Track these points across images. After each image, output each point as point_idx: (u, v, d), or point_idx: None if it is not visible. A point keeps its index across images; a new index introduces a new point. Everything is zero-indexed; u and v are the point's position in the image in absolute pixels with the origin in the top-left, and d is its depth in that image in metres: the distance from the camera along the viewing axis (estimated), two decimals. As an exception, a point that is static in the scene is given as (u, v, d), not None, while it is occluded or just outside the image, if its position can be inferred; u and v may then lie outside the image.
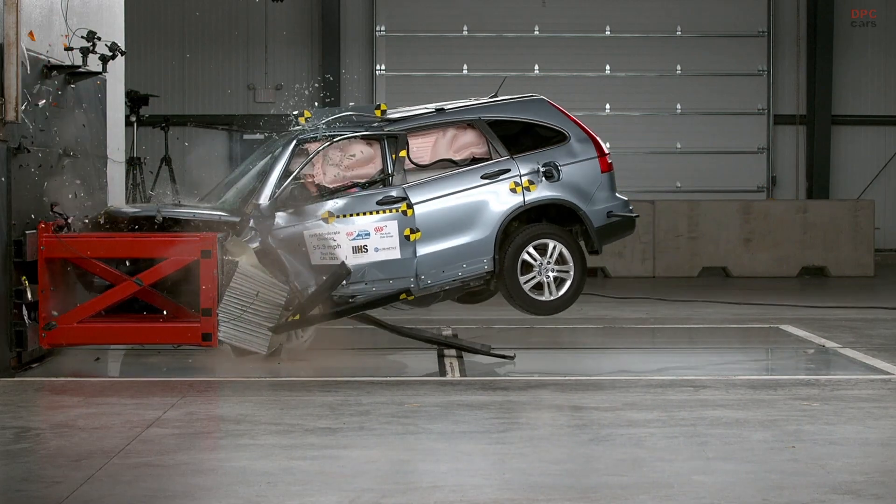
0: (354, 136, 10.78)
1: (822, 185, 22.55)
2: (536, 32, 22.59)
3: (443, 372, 10.00)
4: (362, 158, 10.82)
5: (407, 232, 10.62)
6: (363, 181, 10.72)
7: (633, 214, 11.58)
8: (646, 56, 22.62)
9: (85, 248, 9.72)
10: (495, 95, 11.61)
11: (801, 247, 19.05)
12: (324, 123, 10.85)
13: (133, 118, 18.18)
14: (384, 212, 10.64)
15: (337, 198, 10.54)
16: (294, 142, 10.66)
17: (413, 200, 10.68)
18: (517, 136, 11.32)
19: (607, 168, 11.46)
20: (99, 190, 11.14)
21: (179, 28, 22.09)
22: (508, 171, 11.03)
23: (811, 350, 11.21)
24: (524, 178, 11.02)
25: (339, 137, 10.73)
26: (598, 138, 11.56)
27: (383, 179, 10.74)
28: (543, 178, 11.09)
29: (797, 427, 7.57)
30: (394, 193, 10.69)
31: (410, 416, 7.94)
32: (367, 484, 6.23)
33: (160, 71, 21.94)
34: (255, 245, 10.30)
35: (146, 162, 19.36)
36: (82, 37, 10.32)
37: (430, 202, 10.80)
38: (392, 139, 10.79)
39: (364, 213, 10.57)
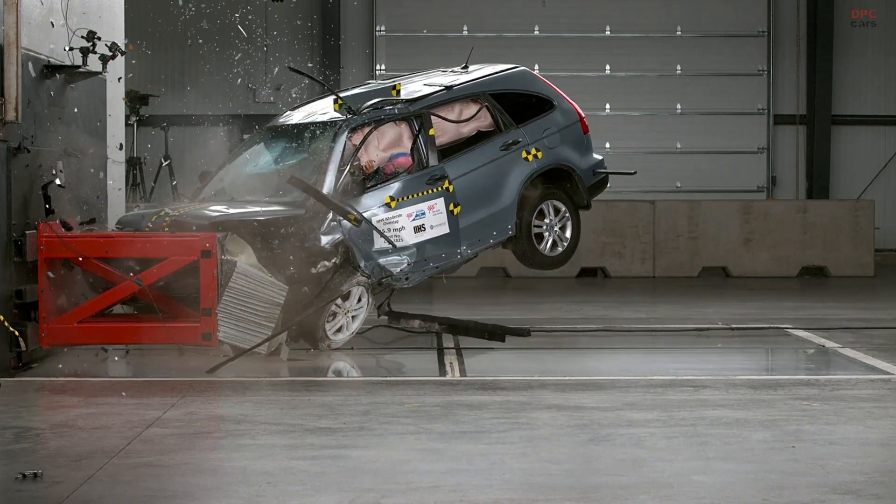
0: (395, 118, 11.15)
1: (822, 185, 22.55)
2: (536, 32, 22.59)
3: (443, 372, 9.99)
4: (399, 139, 11.17)
5: (451, 207, 11.24)
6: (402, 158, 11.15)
7: (614, 171, 13.06)
8: (646, 56, 22.61)
9: (85, 248, 9.72)
10: (466, 66, 12.27)
11: (801, 247, 19.05)
12: (365, 108, 11.10)
13: (133, 118, 18.19)
14: (433, 190, 11.17)
15: (394, 182, 10.97)
16: (347, 130, 10.88)
17: (451, 176, 11.29)
18: (513, 107, 12.04)
19: (587, 130, 12.45)
20: (98, 190, 11.14)
21: (179, 28, 22.08)
22: (519, 141, 11.84)
23: (811, 350, 11.21)
24: (532, 147, 11.87)
25: (384, 121, 11.07)
26: (574, 103, 12.51)
27: (419, 158, 11.23)
28: (547, 145, 11.98)
29: (797, 427, 7.57)
30: (436, 172, 11.23)
31: (410, 416, 7.94)
32: (367, 484, 6.23)
33: (160, 71, 21.93)
34: (338, 237, 10.49)
35: (146, 162, 19.36)
36: (82, 37, 10.32)
37: (464, 177, 11.45)
38: (419, 119, 11.27)
39: (419, 194, 11.09)
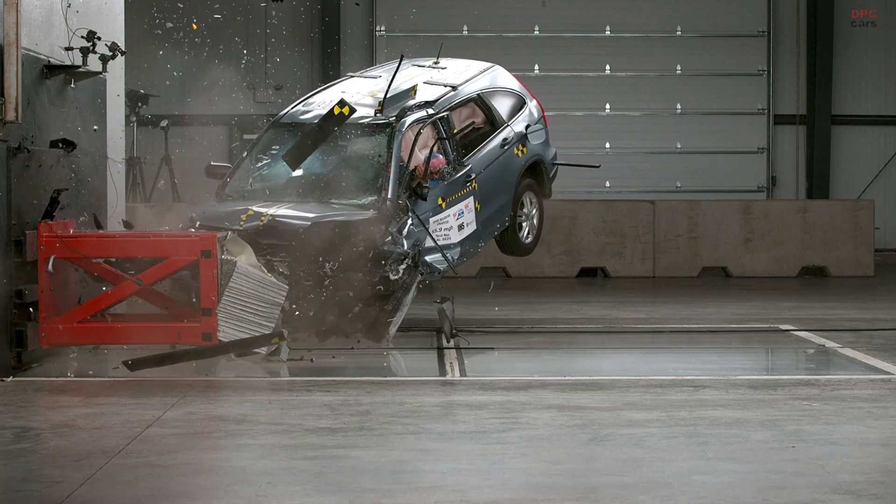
0: (431, 120, 11.51)
1: (822, 185, 22.54)
2: (536, 32, 22.58)
3: (443, 372, 9.99)
4: (429, 141, 11.49)
5: (476, 204, 11.79)
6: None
7: (580, 164, 14.72)
8: (646, 56, 22.60)
9: (85, 248, 9.71)
10: (437, 60, 12.64)
11: (801, 247, 19.04)
12: (408, 110, 11.44)
13: (133, 118, 18.18)
14: (466, 189, 11.70)
15: (442, 183, 11.36)
16: (401, 132, 11.19)
17: (474, 175, 11.83)
18: (498, 104, 12.63)
19: (547, 123, 13.20)
20: (99, 190, 11.14)
21: (179, 28, 22.06)
22: (511, 137, 12.41)
23: (811, 350, 11.21)
24: (519, 143, 12.51)
25: (426, 123, 11.42)
26: (536, 97, 13.24)
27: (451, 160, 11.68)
28: (529, 141, 12.64)
29: (797, 427, 7.57)
30: (469, 172, 11.76)
31: (410, 416, 7.94)
32: (367, 484, 6.23)
33: (160, 71, 21.91)
34: (413, 239, 10.82)
35: (146, 162, 19.35)
36: (82, 37, 10.32)
37: (481, 174, 11.96)
38: (445, 120, 11.68)
39: (459, 194, 11.59)
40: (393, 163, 10.97)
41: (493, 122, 12.38)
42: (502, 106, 12.60)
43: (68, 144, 10.01)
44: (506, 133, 12.38)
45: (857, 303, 15.20)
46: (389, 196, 10.80)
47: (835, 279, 18.64)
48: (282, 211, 10.64)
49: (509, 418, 7.86)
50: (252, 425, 7.69)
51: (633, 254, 18.90)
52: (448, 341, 10.93)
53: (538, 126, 12.99)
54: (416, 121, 11.36)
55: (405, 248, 10.65)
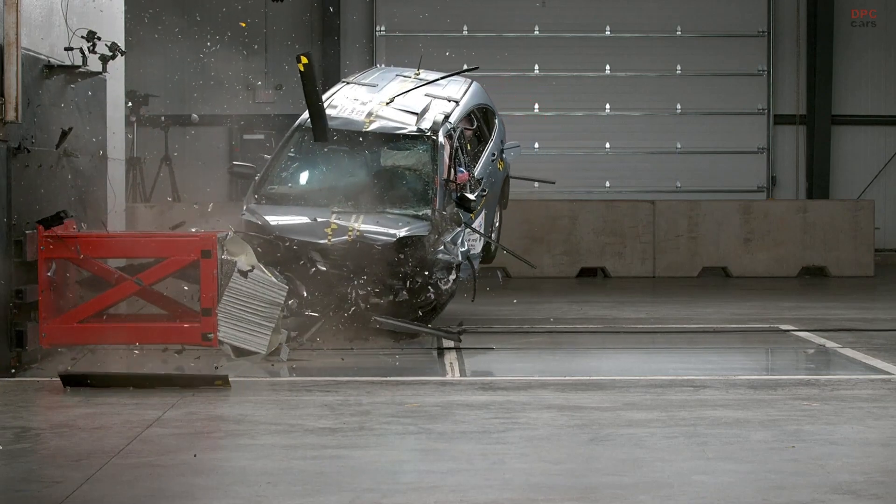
0: (456, 133, 11.83)
1: (822, 185, 22.52)
2: (536, 32, 22.57)
3: (443, 372, 9.99)
4: (453, 153, 11.77)
5: (484, 213, 12.25)
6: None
7: (537, 178, 15.21)
8: (646, 56, 22.59)
9: (85, 248, 9.71)
10: (419, 72, 12.94)
11: (801, 247, 19.03)
12: (440, 122, 11.69)
13: (133, 118, 18.18)
14: (483, 201, 12.09)
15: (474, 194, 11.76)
16: (443, 145, 11.45)
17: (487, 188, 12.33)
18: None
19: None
20: (98, 190, 11.14)
21: (180, 28, 22.06)
22: (496, 152, 12.94)
23: (811, 350, 11.21)
24: (500, 156, 13.07)
25: (454, 135, 11.74)
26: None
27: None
28: (504, 155, 13.19)
29: (797, 427, 7.57)
30: (483, 184, 12.19)
31: (410, 416, 7.94)
32: (367, 484, 6.23)
33: (160, 71, 21.91)
34: (465, 248, 11.30)
35: (146, 162, 19.35)
36: (82, 37, 10.32)
37: (485, 184, 12.32)
38: (462, 134, 12.02)
39: (480, 205, 11.99)
40: (439, 175, 11.25)
41: (480, 137, 12.80)
42: (484, 120, 13.05)
43: (64, 134, 9.99)
44: (492, 147, 12.85)
45: (857, 303, 15.21)
46: (438, 207, 11.12)
47: (835, 279, 18.64)
48: (364, 226, 10.88)
49: (509, 418, 7.86)
50: (252, 425, 7.69)
51: (633, 254, 18.89)
52: (458, 340, 10.92)
53: (505, 140, 13.48)
54: (448, 134, 11.62)
55: (459, 258, 11.00)
